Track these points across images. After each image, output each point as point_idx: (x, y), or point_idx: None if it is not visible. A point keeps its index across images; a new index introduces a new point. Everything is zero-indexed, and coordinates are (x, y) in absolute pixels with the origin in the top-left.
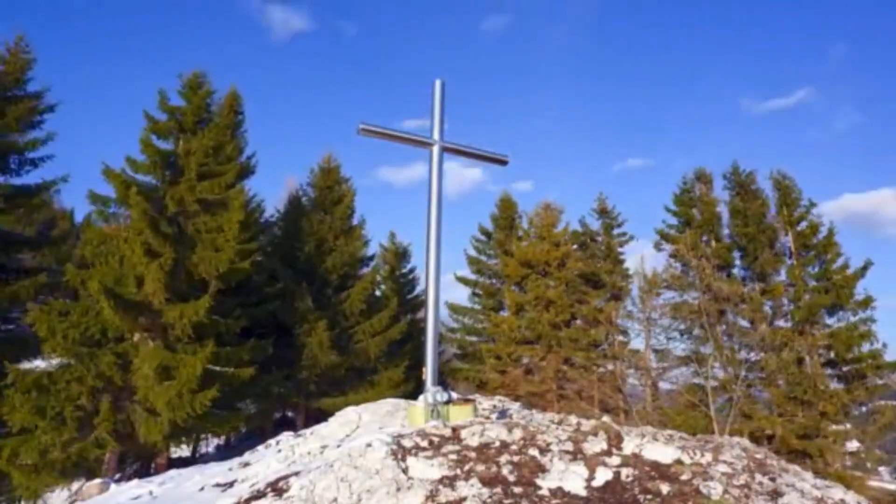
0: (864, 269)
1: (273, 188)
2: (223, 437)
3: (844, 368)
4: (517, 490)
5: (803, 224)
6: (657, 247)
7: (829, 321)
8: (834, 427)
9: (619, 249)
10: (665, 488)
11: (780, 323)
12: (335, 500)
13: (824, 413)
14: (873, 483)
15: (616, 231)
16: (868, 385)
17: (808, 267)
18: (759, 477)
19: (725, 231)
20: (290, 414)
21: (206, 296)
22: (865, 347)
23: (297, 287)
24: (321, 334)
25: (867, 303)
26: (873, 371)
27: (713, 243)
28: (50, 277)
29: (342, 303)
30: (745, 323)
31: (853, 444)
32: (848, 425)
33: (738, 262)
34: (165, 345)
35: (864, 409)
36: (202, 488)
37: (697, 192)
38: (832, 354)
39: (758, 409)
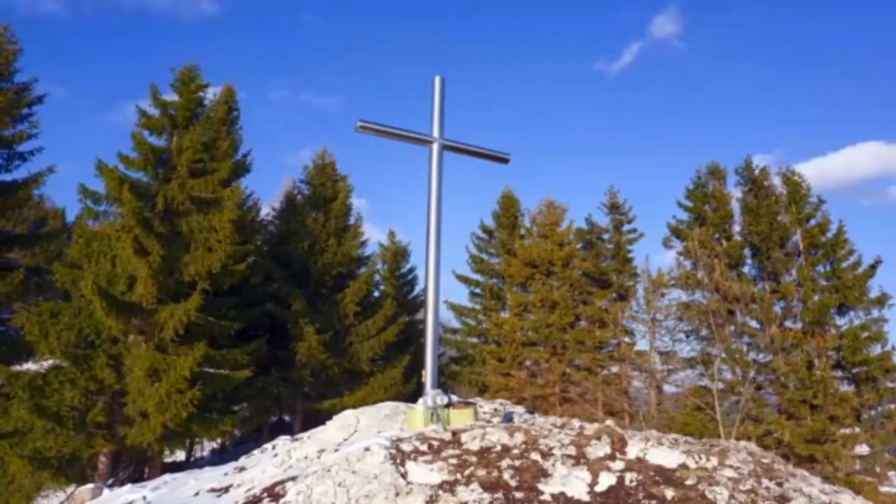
0: (874, 267)
1: (273, 187)
2: (219, 442)
3: (854, 371)
4: (519, 495)
5: (812, 222)
6: (666, 243)
7: (840, 322)
8: (844, 431)
9: (629, 247)
10: (670, 493)
11: (790, 324)
12: None
13: (834, 417)
14: (884, 489)
15: (626, 228)
16: (879, 388)
17: (818, 266)
18: (765, 482)
19: (737, 228)
20: (286, 418)
21: (195, 296)
22: (876, 349)
23: (290, 287)
24: (313, 336)
25: (883, 300)
26: (883, 374)
27: (724, 241)
28: (40, 277)
29: (338, 303)
30: (754, 324)
31: (863, 449)
32: (858, 429)
33: (749, 260)
34: (157, 346)
35: (874, 412)
36: (197, 493)
37: (711, 188)
38: (842, 356)
39: (766, 412)
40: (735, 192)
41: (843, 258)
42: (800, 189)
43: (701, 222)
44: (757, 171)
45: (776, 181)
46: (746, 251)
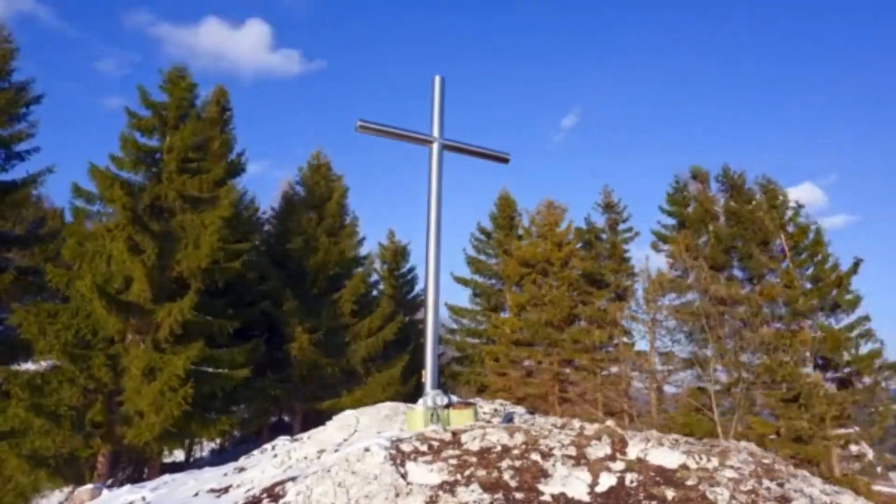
0: (856, 266)
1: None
2: (218, 442)
3: (846, 370)
4: (519, 496)
5: (792, 227)
6: (655, 247)
7: (826, 322)
8: (838, 430)
9: (625, 247)
10: (670, 494)
11: (778, 325)
12: None
13: (822, 416)
14: (883, 488)
15: (621, 227)
16: (869, 386)
17: (802, 268)
18: (766, 482)
19: (722, 231)
20: (286, 418)
21: (189, 294)
22: (865, 347)
23: (284, 287)
24: (305, 336)
25: (854, 302)
26: (871, 372)
27: (711, 241)
28: (37, 277)
29: (334, 303)
30: (743, 325)
31: (857, 448)
32: (856, 427)
33: (735, 263)
34: (154, 345)
35: (869, 411)
36: (196, 494)
37: (693, 191)
38: (829, 356)
39: (756, 412)
40: (717, 197)
41: (823, 260)
42: (777, 196)
43: (683, 226)
44: (736, 176)
45: (755, 188)
46: (731, 254)
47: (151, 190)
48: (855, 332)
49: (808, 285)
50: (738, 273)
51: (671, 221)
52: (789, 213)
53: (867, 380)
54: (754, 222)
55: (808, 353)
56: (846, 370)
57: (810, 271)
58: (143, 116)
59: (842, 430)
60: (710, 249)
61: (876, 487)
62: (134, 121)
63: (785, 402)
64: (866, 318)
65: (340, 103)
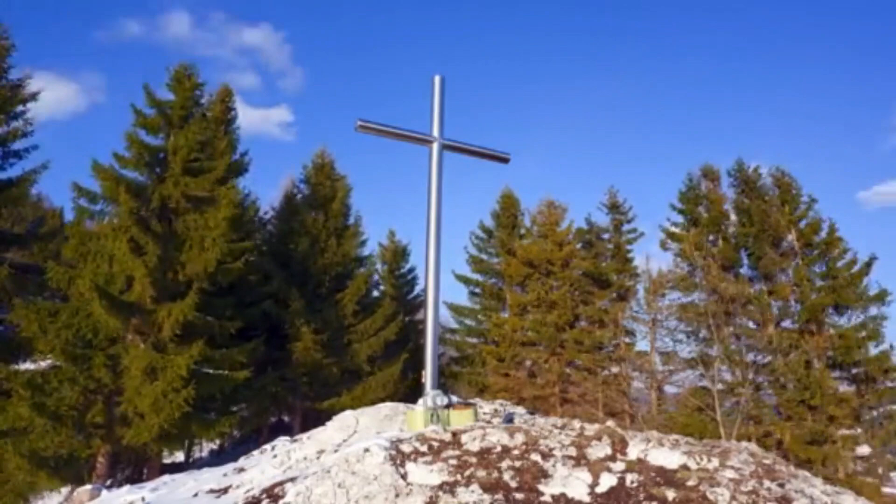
0: (869, 265)
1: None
2: (218, 442)
3: (854, 371)
4: (519, 496)
5: (804, 222)
6: (663, 245)
7: (840, 321)
8: (844, 432)
9: (628, 247)
10: (671, 494)
11: (788, 324)
12: None
13: (833, 417)
14: (886, 489)
15: (625, 227)
16: (878, 388)
17: (813, 266)
18: (767, 483)
19: (732, 230)
20: (286, 418)
21: (191, 295)
22: (874, 349)
23: (289, 287)
24: (310, 336)
25: (882, 296)
26: (882, 374)
27: (720, 242)
28: (37, 276)
29: (337, 303)
30: (752, 324)
31: (864, 450)
32: (858, 430)
33: (745, 261)
34: (155, 346)
35: (875, 413)
36: (196, 494)
37: (704, 189)
38: (839, 356)
39: (765, 414)
40: (729, 194)
41: (837, 257)
42: (791, 189)
43: (695, 224)
44: (749, 172)
45: (768, 182)
46: (742, 252)
47: (157, 191)
48: (862, 334)
49: (820, 283)
50: (748, 271)
51: (681, 219)
52: (802, 207)
53: (877, 381)
54: (765, 220)
55: (814, 354)
56: (853, 371)
57: (822, 269)
58: (148, 115)
59: (848, 431)
60: (721, 249)
61: (883, 489)
62: (140, 119)
63: (794, 402)
64: (882, 317)
65: (340, 103)
